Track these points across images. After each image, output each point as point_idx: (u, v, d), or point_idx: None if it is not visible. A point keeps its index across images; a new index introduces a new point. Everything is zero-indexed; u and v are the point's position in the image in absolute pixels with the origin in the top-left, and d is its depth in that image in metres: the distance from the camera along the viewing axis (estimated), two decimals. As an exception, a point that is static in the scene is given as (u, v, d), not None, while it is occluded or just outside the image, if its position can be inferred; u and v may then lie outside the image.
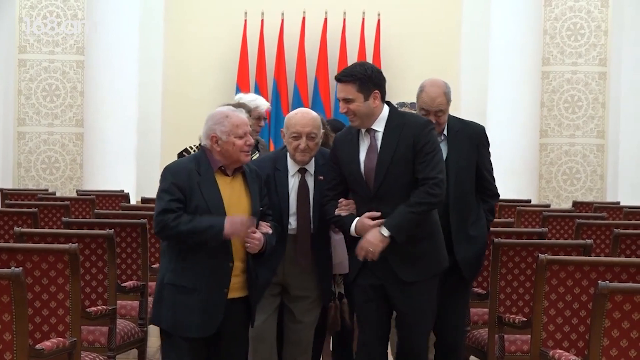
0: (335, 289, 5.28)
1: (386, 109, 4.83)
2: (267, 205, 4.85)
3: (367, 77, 4.74)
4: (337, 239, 5.22)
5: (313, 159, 5.14)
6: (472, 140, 5.24)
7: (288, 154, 5.16)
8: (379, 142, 4.78)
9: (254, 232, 4.56)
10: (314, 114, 5.17)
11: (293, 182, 5.14)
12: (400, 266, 4.72)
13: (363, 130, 4.83)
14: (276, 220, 4.94)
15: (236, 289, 4.58)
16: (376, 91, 4.76)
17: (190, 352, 4.50)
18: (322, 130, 5.17)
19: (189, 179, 4.52)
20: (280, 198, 5.09)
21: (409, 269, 4.73)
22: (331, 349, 5.81)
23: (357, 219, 4.77)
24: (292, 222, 5.11)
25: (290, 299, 5.18)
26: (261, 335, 5.08)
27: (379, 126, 4.80)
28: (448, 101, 5.20)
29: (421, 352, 4.88)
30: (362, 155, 4.80)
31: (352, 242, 4.84)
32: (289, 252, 5.09)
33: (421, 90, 5.21)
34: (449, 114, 5.28)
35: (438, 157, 4.73)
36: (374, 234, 4.64)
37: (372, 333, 4.86)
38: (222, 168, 4.62)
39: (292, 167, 5.16)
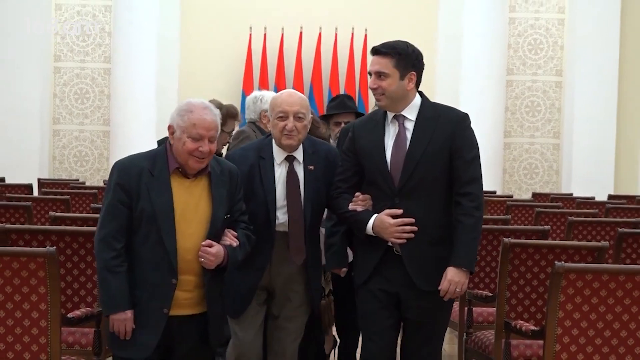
0: (325, 286, 4.36)
1: (418, 97, 3.83)
2: (241, 211, 3.76)
3: (407, 55, 3.75)
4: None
5: (301, 146, 4.04)
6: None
7: (273, 141, 4.05)
8: (409, 132, 3.76)
9: (210, 246, 3.55)
10: (301, 94, 4.07)
11: (280, 172, 4.01)
12: (418, 274, 3.74)
13: (390, 117, 3.81)
14: (262, 214, 3.93)
15: (188, 306, 3.62)
16: (413, 72, 3.75)
17: None
18: (311, 116, 4.10)
19: (139, 179, 3.53)
20: (266, 190, 3.96)
21: (428, 277, 3.74)
22: None
23: (376, 215, 3.75)
24: (280, 216, 3.97)
25: (275, 304, 4.10)
26: (247, 355, 4.07)
27: (411, 114, 3.79)
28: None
29: None
30: (389, 145, 3.78)
31: (365, 241, 3.84)
32: (277, 250, 3.99)
33: None
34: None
35: (477, 159, 3.77)
36: (454, 275, 3.67)
37: (383, 344, 3.80)
38: (180, 169, 3.59)
39: (278, 155, 4.02)
